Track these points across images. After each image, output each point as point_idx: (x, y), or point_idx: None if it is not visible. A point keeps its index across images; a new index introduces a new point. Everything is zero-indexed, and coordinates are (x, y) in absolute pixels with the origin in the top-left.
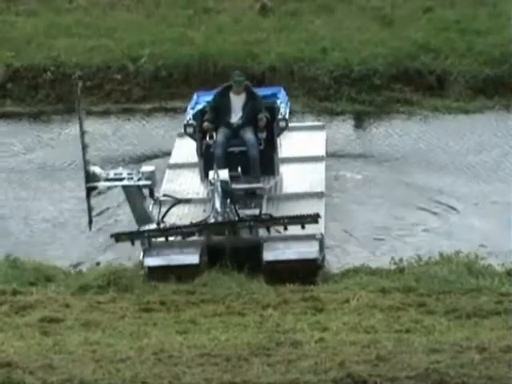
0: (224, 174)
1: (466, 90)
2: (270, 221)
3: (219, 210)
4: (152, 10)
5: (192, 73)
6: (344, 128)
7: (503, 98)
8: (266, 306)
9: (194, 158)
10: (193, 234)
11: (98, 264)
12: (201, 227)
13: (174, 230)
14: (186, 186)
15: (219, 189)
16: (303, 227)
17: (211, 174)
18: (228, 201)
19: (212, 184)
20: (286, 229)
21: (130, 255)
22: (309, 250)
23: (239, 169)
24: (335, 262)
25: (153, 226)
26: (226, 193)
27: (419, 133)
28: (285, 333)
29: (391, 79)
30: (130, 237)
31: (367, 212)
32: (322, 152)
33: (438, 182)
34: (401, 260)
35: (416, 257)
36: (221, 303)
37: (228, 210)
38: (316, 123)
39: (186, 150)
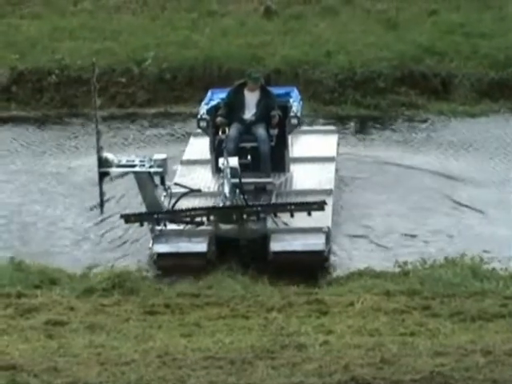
0: (233, 161)
1: (471, 93)
2: (277, 206)
3: (228, 195)
4: (157, 13)
5: (196, 76)
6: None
7: (508, 101)
8: (271, 309)
9: (206, 155)
10: (202, 223)
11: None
12: (209, 211)
13: (183, 212)
14: (198, 180)
15: (228, 175)
16: (309, 214)
17: (221, 160)
18: (237, 190)
19: (222, 171)
20: (292, 215)
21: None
22: (315, 242)
23: (249, 157)
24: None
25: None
26: (236, 180)
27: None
28: (289, 336)
29: (396, 82)
30: (139, 218)
31: (376, 213)
32: (332, 153)
33: (450, 185)
34: (405, 263)
35: (420, 259)
36: (225, 306)
37: (237, 198)
38: (329, 127)
39: (198, 148)
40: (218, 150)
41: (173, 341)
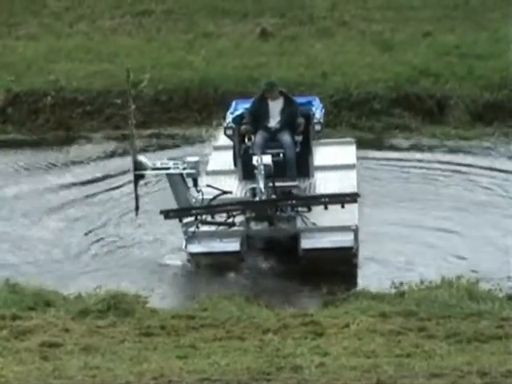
0: (267, 158)
1: (466, 116)
2: (311, 199)
3: (263, 190)
4: (152, 35)
5: (192, 97)
6: None
7: (503, 124)
8: (266, 331)
9: (229, 165)
10: (234, 224)
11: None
12: (245, 205)
13: (220, 207)
14: (223, 187)
15: (262, 172)
16: (343, 206)
17: (255, 158)
18: (270, 184)
19: (256, 168)
20: (326, 208)
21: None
22: (344, 239)
23: (281, 155)
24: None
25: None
26: (269, 177)
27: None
28: (285, 357)
29: (391, 104)
30: (178, 214)
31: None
32: (353, 161)
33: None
34: (401, 284)
35: (417, 280)
36: (221, 328)
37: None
38: (346, 139)
39: (221, 159)
40: (244, 157)
41: (168, 363)
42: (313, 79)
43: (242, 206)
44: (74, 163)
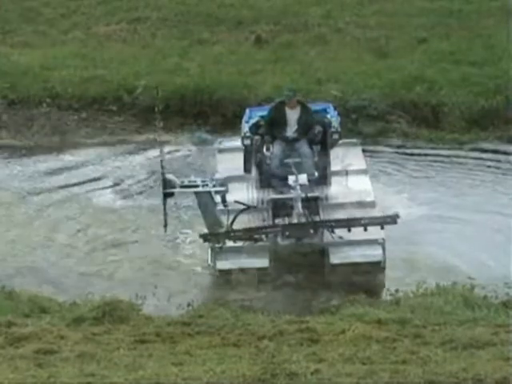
0: (303, 178)
1: (461, 122)
2: (350, 221)
3: (301, 211)
4: (147, 42)
5: (187, 104)
6: None
7: (498, 130)
8: (262, 338)
9: (239, 171)
10: (261, 239)
11: None
12: (284, 227)
13: (259, 229)
14: (238, 197)
15: (299, 191)
16: (382, 228)
17: (291, 178)
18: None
19: (292, 188)
20: (365, 230)
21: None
22: (373, 253)
23: (316, 174)
24: None
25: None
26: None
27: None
28: (280, 364)
29: (386, 110)
30: (217, 237)
31: None
32: (363, 165)
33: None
34: (397, 291)
35: (412, 287)
36: (216, 335)
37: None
38: (351, 140)
39: (229, 164)
40: (260, 166)
41: (164, 370)
42: (308, 86)
43: (281, 228)
44: (70, 170)
